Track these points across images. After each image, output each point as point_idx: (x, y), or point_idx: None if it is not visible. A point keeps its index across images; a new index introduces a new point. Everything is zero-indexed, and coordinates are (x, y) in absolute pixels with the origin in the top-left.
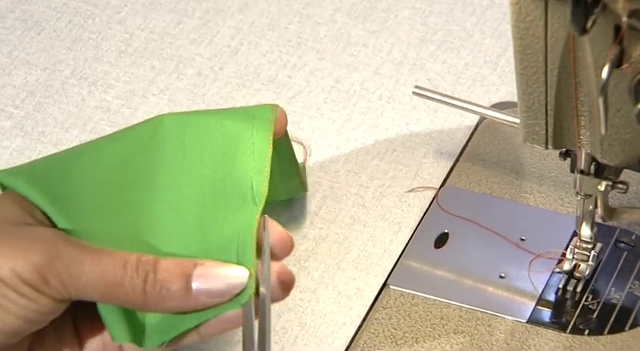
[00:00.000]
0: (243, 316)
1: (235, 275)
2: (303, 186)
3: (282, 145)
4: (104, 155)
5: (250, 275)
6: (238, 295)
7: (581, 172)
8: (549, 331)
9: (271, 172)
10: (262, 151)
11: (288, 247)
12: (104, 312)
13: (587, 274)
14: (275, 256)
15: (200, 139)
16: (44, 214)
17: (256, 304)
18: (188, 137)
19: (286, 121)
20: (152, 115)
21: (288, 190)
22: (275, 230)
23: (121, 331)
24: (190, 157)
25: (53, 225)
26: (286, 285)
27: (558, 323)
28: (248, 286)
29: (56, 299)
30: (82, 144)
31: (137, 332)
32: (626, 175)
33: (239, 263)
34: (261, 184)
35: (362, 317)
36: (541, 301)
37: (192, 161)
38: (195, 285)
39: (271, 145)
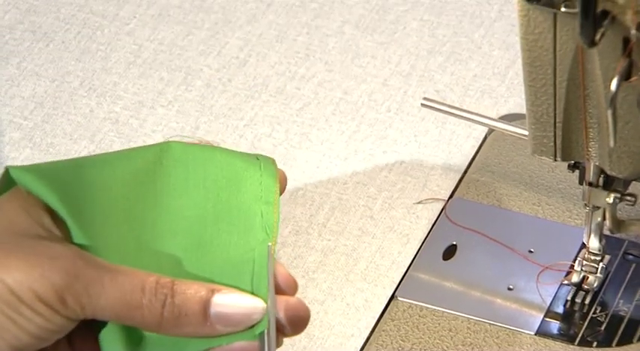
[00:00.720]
0: (260, 346)
1: (252, 306)
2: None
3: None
4: (116, 169)
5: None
6: (253, 326)
7: (590, 184)
8: (557, 343)
9: None
10: (270, 185)
11: (292, 288)
12: (97, 323)
13: (596, 286)
14: (284, 292)
15: (205, 166)
16: (53, 220)
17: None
18: (192, 163)
19: (286, 180)
20: (161, 127)
21: None
22: (280, 272)
23: (113, 347)
24: (193, 181)
25: (64, 234)
26: (303, 320)
27: (567, 335)
28: (264, 318)
29: (70, 319)
30: (93, 155)
31: (134, 348)
32: (635, 187)
33: (253, 294)
34: (271, 214)
35: (370, 329)
36: (549, 313)
37: (194, 185)
38: (212, 311)
39: (278, 184)
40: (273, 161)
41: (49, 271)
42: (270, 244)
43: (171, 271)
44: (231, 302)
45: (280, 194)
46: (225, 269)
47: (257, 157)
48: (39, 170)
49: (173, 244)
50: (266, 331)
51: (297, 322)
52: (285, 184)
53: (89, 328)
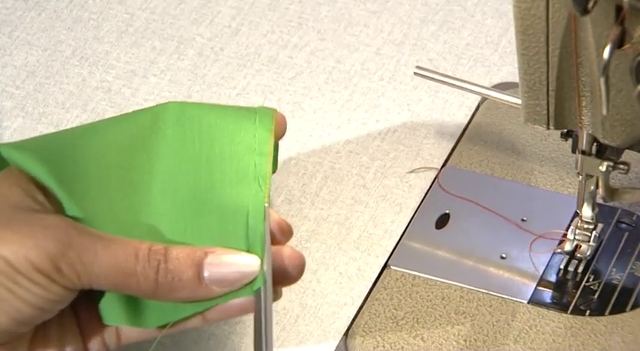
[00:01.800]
0: (256, 303)
1: (247, 264)
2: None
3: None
4: (107, 137)
5: (261, 263)
6: (249, 283)
7: (583, 152)
8: (550, 311)
9: None
10: (265, 137)
11: (287, 235)
12: (99, 294)
13: (589, 255)
14: (278, 241)
15: (200, 121)
16: (45, 195)
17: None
18: (188, 120)
19: (286, 124)
20: (153, 96)
21: None
22: (274, 219)
23: (112, 313)
24: (189, 136)
25: (56, 208)
26: (299, 268)
27: (559, 304)
28: (259, 274)
29: (68, 288)
30: (84, 124)
31: (134, 313)
32: (628, 155)
33: (249, 250)
34: (264, 165)
35: (363, 298)
36: (542, 281)
37: (190, 140)
38: (206, 274)
39: (273, 135)
40: (271, 113)
41: (42, 241)
42: (266, 204)
43: (166, 232)
44: (225, 262)
45: (280, 138)
46: (220, 224)
47: (255, 110)
48: (29, 146)
49: (168, 205)
50: (262, 288)
51: (292, 272)
52: (285, 128)
53: (93, 300)
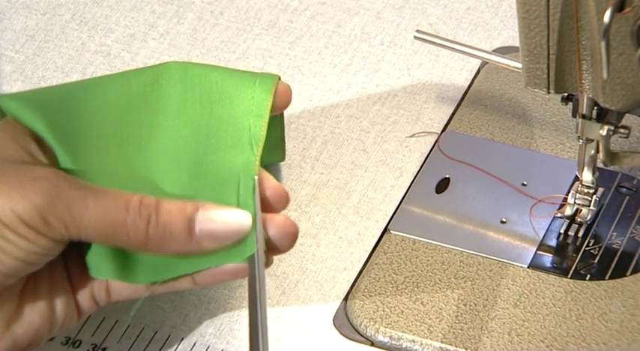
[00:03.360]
0: (250, 269)
1: (238, 220)
2: (282, 156)
3: (278, 118)
4: (107, 92)
5: (253, 224)
6: (241, 246)
7: (583, 116)
8: (550, 276)
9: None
10: (263, 100)
11: (284, 201)
12: (88, 247)
13: (589, 219)
14: (273, 209)
15: (201, 83)
16: (41, 148)
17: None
18: (190, 81)
19: (291, 95)
20: (152, 60)
21: (269, 159)
22: (270, 185)
23: (100, 266)
24: (190, 99)
25: (51, 161)
26: (291, 236)
27: (559, 268)
28: (250, 238)
29: (55, 240)
30: (85, 79)
31: (124, 268)
32: (628, 119)
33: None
34: (259, 128)
35: (363, 262)
36: (542, 246)
37: (191, 102)
38: (197, 228)
39: (272, 98)
40: (274, 78)
41: (30, 192)
42: (256, 173)
43: (161, 189)
44: (216, 217)
45: (284, 108)
46: (213, 188)
47: (257, 74)
48: (27, 97)
49: (167, 163)
50: (256, 254)
51: (285, 240)
52: (290, 99)
53: (84, 254)
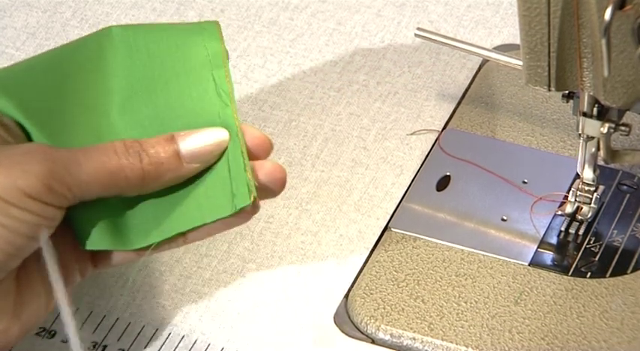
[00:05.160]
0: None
1: (215, 134)
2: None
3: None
4: (62, 66)
5: (249, 177)
6: (232, 197)
7: (584, 114)
8: (551, 273)
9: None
10: (216, 49)
11: (267, 148)
12: (76, 220)
13: (590, 217)
14: (257, 157)
15: (146, 39)
16: (6, 130)
17: None
18: (133, 39)
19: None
20: None
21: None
22: (253, 135)
23: (93, 238)
24: (137, 57)
25: (18, 141)
26: (281, 180)
27: (560, 266)
28: (241, 186)
29: (61, 207)
30: (37, 55)
31: (117, 236)
32: (629, 117)
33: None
34: (223, 79)
35: (363, 260)
36: (543, 243)
37: (139, 60)
38: (182, 149)
39: (223, 45)
40: (215, 24)
41: (27, 165)
42: (236, 121)
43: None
44: (196, 137)
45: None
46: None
47: (199, 23)
48: None
49: (129, 124)
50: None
51: (276, 185)
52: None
53: (68, 230)
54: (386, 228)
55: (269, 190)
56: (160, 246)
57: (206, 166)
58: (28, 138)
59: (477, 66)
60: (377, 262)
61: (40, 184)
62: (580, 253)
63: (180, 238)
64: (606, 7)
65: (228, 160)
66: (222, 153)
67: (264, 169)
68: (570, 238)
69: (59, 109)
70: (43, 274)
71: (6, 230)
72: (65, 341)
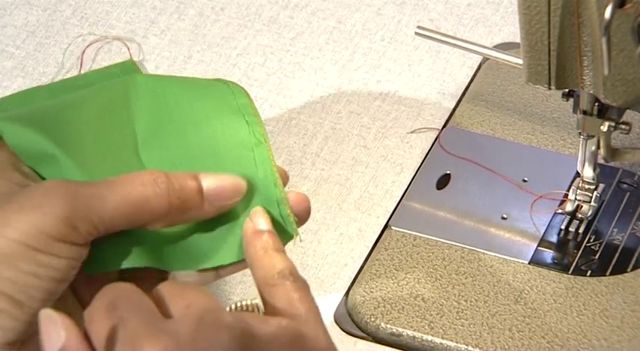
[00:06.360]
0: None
1: (235, 180)
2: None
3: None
4: (83, 109)
5: (289, 212)
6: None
7: (584, 112)
8: (551, 272)
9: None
10: (245, 103)
11: (285, 181)
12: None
13: (590, 215)
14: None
15: (172, 85)
16: (25, 178)
17: None
18: (160, 86)
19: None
20: (153, 56)
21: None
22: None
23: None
24: (164, 100)
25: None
26: (307, 210)
27: (560, 264)
28: (290, 222)
29: (86, 244)
30: (57, 100)
31: (154, 255)
32: (629, 115)
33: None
34: (256, 124)
35: (364, 258)
36: (543, 242)
37: (166, 104)
38: (205, 187)
39: (253, 105)
40: (240, 86)
41: (48, 207)
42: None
43: None
44: (216, 180)
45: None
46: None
47: (224, 81)
48: (13, 118)
49: (158, 157)
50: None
51: (304, 214)
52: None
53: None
54: (386, 226)
55: (298, 218)
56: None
57: (222, 211)
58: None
59: (477, 64)
60: (377, 260)
61: (64, 224)
62: (580, 251)
63: (213, 272)
64: (606, 6)
65: (265, 198)
66: (239, 201)
67: (290, 199)
68: (570, 237)
69: (87, 146)
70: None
71: (37, 278)
72: None
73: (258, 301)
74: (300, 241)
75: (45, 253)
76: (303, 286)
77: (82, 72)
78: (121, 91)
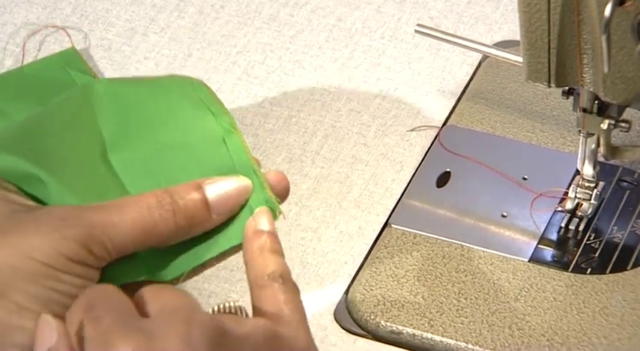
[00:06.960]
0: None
1: (240, 184)
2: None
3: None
4: (52, 119)
5: (263, 187)
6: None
7: (584, 110)
8: (551, 270)
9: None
10: (207, 96)
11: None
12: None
13: (590, 213)
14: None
15: (131, 86)
16: (22, 196)
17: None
18: (120, 88)
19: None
20: (153, 54)
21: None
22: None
23: (131, 274)
24: (125, 102)
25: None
26: (286, 189)
27: (560, 262)
28: (273, 204)
29: (100, 267)
30: (29, 116)
31: (152, 269)
32: (629, 113)
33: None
34: (222, 114)
35: (363, 256)
36: (543, 240)
37: (128, 105)
38: (210, 199)
39: (216, 98)
40: (201, 82)
41: (65, 231)
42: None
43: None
44: (221, 188)
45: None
46: (199, 166)
47: (188, 79)
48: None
49: (130, 159)
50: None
51: (283, 193)
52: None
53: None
54: (386, 224)
55: (279, 198)
56: (194, 272)
57: (230, 215)
58: (35, 198)
59: (477, 62)
60: (377, 258)
61: (81, 248)
62: (580, 249)
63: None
64: (606, 4)
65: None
66: (245, 202)
67: (268, 178)
68: (570, 235)
69: (62, 161)
70: None
71: (59, 294)
72: None
73: (241, 303)
74: (284, 218)
75: (64, 273)
76: (291, 289)
77: (25, 63)
78: (83, 102)
